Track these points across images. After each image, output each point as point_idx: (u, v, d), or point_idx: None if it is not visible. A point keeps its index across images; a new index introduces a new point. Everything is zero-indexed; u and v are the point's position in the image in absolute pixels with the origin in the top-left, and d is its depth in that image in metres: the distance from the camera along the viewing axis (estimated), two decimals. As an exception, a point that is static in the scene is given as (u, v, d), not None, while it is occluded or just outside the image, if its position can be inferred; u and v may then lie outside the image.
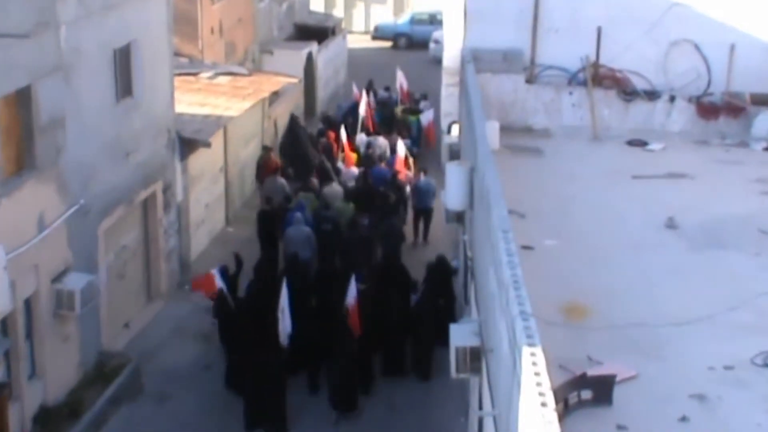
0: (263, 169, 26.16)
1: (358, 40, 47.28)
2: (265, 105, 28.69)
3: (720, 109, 21.01)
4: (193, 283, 20.59)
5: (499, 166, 14.27)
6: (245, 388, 17.50)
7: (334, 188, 24.66)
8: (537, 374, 8.44)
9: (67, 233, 17.57)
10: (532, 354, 8.73)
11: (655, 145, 20.11)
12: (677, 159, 19.24)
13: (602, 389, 10.41)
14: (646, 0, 20.94)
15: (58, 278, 17.28)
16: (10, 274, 15.27)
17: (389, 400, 18.52)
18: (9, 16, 15.52)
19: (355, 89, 32.28)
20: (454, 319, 18.75)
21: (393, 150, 27.54)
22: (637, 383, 10.98)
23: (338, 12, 48.69)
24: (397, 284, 19.69)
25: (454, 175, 16.00)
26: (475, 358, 12.86)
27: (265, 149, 26.99)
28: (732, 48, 20.93)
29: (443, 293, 19.77)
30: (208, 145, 23.01)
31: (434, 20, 46.28)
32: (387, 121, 31.14)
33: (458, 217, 18.05)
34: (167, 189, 21.79)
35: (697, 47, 21.10)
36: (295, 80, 30.42)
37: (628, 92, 21.24)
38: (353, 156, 27.54)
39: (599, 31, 21.10)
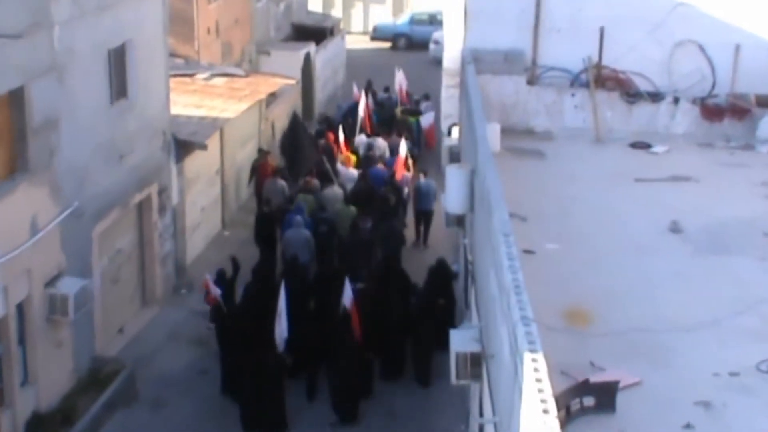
0: (258, 172, 26.15)
1: (356, 40, 47.32)
2: (262, 107, 28.70)
3: (725, 111, 20.99)
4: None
5: (500, 168, 14.26)
6: (244, 391, 17.52)
7: (335, 190, 24.70)
8: (538, 380, 8.43)
9: (61, 237, 17.56)
10: (534, 360, 8.72)
11: (658, 148, 20.10)
12: (681, 162, 19.23)
13: (605, 396, 10.39)
14: (650, 0, 20.94)
15: (51, 283, 17.27)
16: (3, 278, 15.29)
17: (389, 406, 18.53)
18: (1, 16, 15.53)
19: (355, 89, 32.32)
20: (454, 324, 18.81)
21: (393, 151, 27.55)
22: (641, 390, 10.97)
23: (336, 12, 48.73)
24: (396, 287, 19.72)
25: (454, 177, 16.00)
26: (475, 363, 12.85)
27: (261, 152, 26.97)
28: (737, 49, 20.92)
29: (443, 296, 19.80)
30: (204, 147, 23.01)
31: (434, 20, 46.33)
32: (387, 122, 31.16)
33: (458, 221, 18.05)
34: (162, 192, 21.78)
35: (701, 48, 21.09)
36: (292, 81, 30.43)
37: (631, 94, 21.22)
38: (353, 157, 27.55)
39: (602, 31, 21.09)
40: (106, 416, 17.92)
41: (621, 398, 10.48)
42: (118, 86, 19.64)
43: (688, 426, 10.29)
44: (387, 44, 48.56)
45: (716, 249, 15.08)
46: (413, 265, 21.89)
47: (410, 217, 25.54)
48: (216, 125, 24.19)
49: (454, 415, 17.69)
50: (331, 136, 28.21)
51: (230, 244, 24.41)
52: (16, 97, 16.28)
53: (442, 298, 19.69)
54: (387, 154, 27.75)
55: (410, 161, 27.46)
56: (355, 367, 17.90)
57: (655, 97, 21.16)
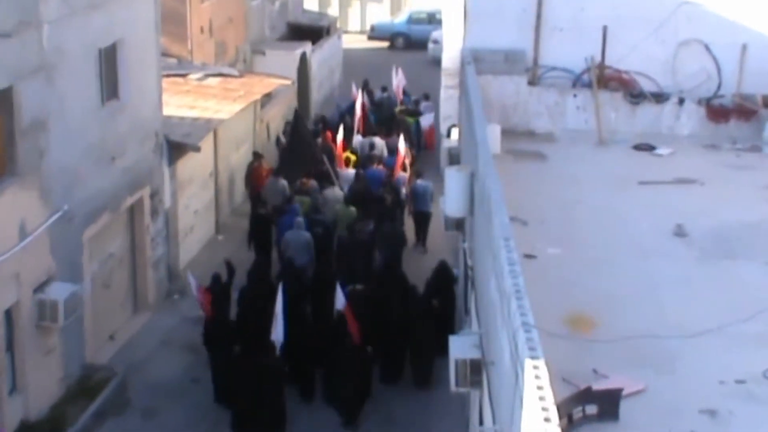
0: (252, 176, 26.13)
1: (353, 40, 47.34)
2: (256, 108, 28.69)
3: (731, 112, 21.02)
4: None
5: (501, 171, 14.27)
6: (239, 394, 17.52)
7: (335, 191, 24.76)
8: (540, 388, 8.43)
9: (50, 241, 17.55)
10: (535, 367, 8.72)
11: (663, 150, 20.12)
12: (686, 164, 19.24)
13: (608, 404, 10.39)
14: (654, -2, 21.00)
15: (40, 288, 17.27)
16: (-9, 283, 15.28)
17: (388, 412, 18.57)
18: (-11, 15, 15.54)
19: (354, 89, 32.38)
20: (454, 328, 18.86)
21: (392, 152, 27.60)
22: (645, 397, 10.97)
23: (333, 11, 48.75)
24: (396, 289, 19.79)
25: (453, 180, 16.00)
26: (475, 371, 12.86)
27: (256, 156, 26.92)
28: (743, 48, 20.94)
29: (445, 299, 19.88)
30: (197, 149, 23.01)
31: (433, 19, 46.33)
32: (386, 122, 31.19)
33: (458, 225, 18.06)
34: (155, 195, 21.78)
35: (707, 47, 21.11)
36: (288, 82, 30.43)
37: (635, 94, 21.24)
38: (353, 157, 27.58)
39: (605, 30, 21.11)
40: (96, 425, 17.92)
41: (624, 406, 10.47)
42: (109, 87, 19.65)
43: (693, 434, 10.31)
44: (385, 44, 48.57)
45: (722, 253, 15.09)
46: (412, 268, 21.95)
47: (408, 220, 25.55)
48: (209, 127, 24.19)
49: (453, 423, 17.71)
50: (329, 135, 28.24)
51: (224, 249, 24.39)
52: (4, 98, 16.28)
53: (440, 300, 19.82)
54: (385, 154, 27.81)
55: (407, 162, 27.50)
56: (354, 368, 17.95)
57: (660, 97, 21.19)
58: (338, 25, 42.78)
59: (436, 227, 24.50)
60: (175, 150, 22.67)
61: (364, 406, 18.29)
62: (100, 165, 19.25)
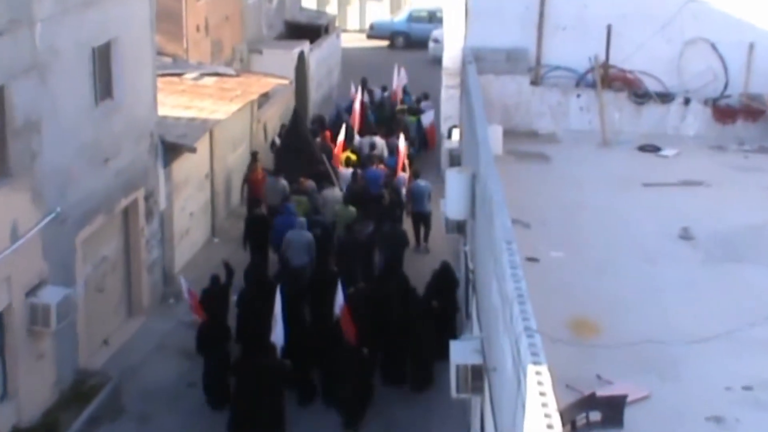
0: (249, 178, 26.12)
1: (352, 38, 47.33)
2: (253, 108, 28.69)
3: (738, 113, 21.04)
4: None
5: (502, 172, 14.27)
6: (239, 395, 17.53)
7: (335, 192, 24.79)
8: (542, 394, 8.43)
9: (43, 244, 17.54)
10: (538, 373, 8.71)
11: (668, 151, 20.13)
12: (692, 165, 19.26)
13: (612, 410, 10.38)
14: (659, -4, 21.02)
15: (32, 292, 17.24)
16: (-19, 287, 15.27)
17: (388, 416, 18.57)
18: (-19, 13, 15.53)
19: (353, 88, 32.40)
20: (455, 330, 18.88)
21: (392, 151, 27.62)
22: (650, 404, 10.97)
23: (331, 9, 48.74)
24: (397, 289, 19.83)
25: (454, 182, 16.00)
26: (476, 376, 12.86)
27: (253, 158, 26.86)
28: (751, 47, 20.96)
29: (446, 300, 19.92)
30: (193, 150, 23.00)
31: (433, 18, 46.33)
32: (386, 121, 31.22)
33: (459, 227, 18.05)
34: (149, 197, 21.77)
35: (713, 46, 21.14)
36: (285, 81, 30.43)
37: (639, 94, 21.27)
38: (353, 157, 27.60)
39: (609, 29, 21.13)
40: (89, 431, 17.89)
41: (629, 413, 10.47)
42: (103, 86, 19.63)
43: (699, 442, 10.32)
44: (384, 43, 48.57)
45: (728, 257, 15.10)
46: (413, 269, 21.97)
47: (408, 220, 25.58)
48: (205, 127, 24.18)
49: (455, 426, 17.72)
50: (327, 135, 28.23)
51: (220, 252, 24.39)
52: (-4, 98, 16.29)
53: (441, 302, 19.88)
54: (386, 153, 27.84)
55: (406, 161, 27.52)
56: (353, 369, 18.00)
57: (665, 97, 21.21)
58: (337, 23, 42.75)
59: (436, 228, 24.52)
60: (171, 151, 22.66)
61: (366, 410, 18.31)
62: (93, 166, 19.24)
